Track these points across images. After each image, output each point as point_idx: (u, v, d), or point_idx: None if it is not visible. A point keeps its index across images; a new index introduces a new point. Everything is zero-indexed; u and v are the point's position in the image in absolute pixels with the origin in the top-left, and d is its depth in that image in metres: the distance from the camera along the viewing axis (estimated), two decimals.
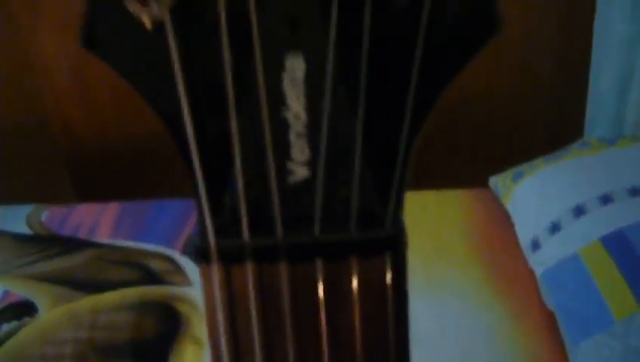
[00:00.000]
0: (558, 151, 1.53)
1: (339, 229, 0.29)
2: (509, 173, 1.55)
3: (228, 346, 0.32)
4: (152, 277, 1.40)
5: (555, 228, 1.32)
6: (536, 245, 1.35)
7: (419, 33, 0.25)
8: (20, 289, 1.39)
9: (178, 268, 1.42)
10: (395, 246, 0.29)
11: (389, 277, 0.30)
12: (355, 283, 0.29)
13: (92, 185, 2.15)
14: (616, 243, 1.20)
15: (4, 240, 1.54)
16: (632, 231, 1.20)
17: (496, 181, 1.59)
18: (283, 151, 0.27)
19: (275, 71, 0.25)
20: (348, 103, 0.26)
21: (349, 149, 0.27)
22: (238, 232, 0.29)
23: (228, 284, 0.30)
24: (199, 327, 1.28)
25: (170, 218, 1.60)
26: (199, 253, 0.30)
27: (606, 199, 1.29)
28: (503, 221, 1.50)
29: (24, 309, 1.34)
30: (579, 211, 1.30)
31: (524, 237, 1.40)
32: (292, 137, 0.27)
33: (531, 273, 1.34)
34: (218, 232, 0.29)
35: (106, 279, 1.39)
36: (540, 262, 1.32)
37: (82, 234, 1.56)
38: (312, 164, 0.27)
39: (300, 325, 0.30)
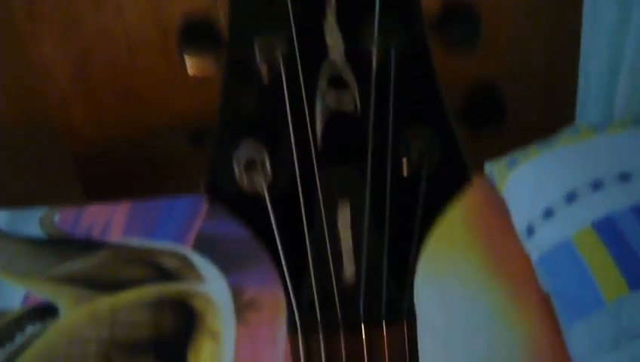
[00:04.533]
0: (551, 138, 1.58)
1: (375, 310, 0.44)
2: (504, 160, 1.60)
3: None
4: (165, 275, 1.46)
5: (548, 213, 1.38)
6: (531, 231, 1.40)
7: (420, 191, 0.41)
8: (41, 292, 1.45)
9: (190, 265, 1.48)
10: (409, 319, 0.44)
11: (406, 339, 0.45)
12: (385, 343, 0.44)
13: (100, 185, 2.21)
14: (607, 228, 1.26)
15: (21, 244, 1.60)
16: (622, 216, 1.26)
17: (491, 167, 1.64)
18: (338, 264, 0.43)
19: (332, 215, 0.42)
20: (377, 232, 0.42)
21: (380, 260, 0.42)
22: (313, 313, 0.44)
23: (307, 349, 0.45)
24: (214, 322, 1.35)
25: (180, 215, 1.66)
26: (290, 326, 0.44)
27: (597, 185, 1.35)
28: (499, 206, 1.55)
29: (46, 311, 1.40)
30: (571, 197, 1.36)
31: (519, 222, 1.45)
32: (344, 255, 0.42)
33: (527, 257, 1.40)
34: (301, 313, 0.44)
35: (122, 278, 1.46)
36: (535, 247, 1.38)
37: (95, 235, 1.62)
38: (356, 271, 0.43)
39: None
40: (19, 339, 1.34)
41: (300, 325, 0.44)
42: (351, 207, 0.41)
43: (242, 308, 1.38)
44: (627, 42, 1.76)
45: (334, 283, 0.43)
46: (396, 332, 0.44)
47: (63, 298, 1.42)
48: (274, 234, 0.42)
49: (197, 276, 1.45)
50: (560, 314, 1.26)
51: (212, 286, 1.43)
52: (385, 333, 0.44)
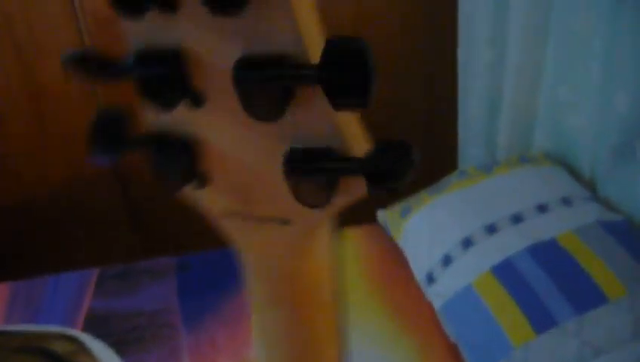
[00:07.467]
0: (440, 182, 1.59)
1: None
2: (397, 208, 1.60)
3: None
4: (57, 361, 1.36)
5: (447, 260, 1.38)
6: (431, 279, 1.40)
7: None
8: None
9: (83, 348, 1.39)
10: None
11: None
12: None
13: None
14: (506, 272, 1.27)
15: None
16: (519, 259, 1.27)
17: (385, 216, 1.64)
18: None
19: None
20: None
21: None
22: None
23: None
24: None
25: (66, 294, 1.56)
26: None
27: (491, 229, 1.36)
28: (396, 256, 1.54)
29: None
30: (467, 243, 1.36)
31: (418, 271, 1.45)
32: None
33: (431, 306, 1.40)
34: None
35: None
36: (437, 295, 1.37)
37: None
38: None
39: None
40: None
41: None
42: None
43: None
44: (503, 83, 1.80)
45: None
46: None
47: None
48: None
49: (91, 360, 1.36)
50: None
51: None
52: None
